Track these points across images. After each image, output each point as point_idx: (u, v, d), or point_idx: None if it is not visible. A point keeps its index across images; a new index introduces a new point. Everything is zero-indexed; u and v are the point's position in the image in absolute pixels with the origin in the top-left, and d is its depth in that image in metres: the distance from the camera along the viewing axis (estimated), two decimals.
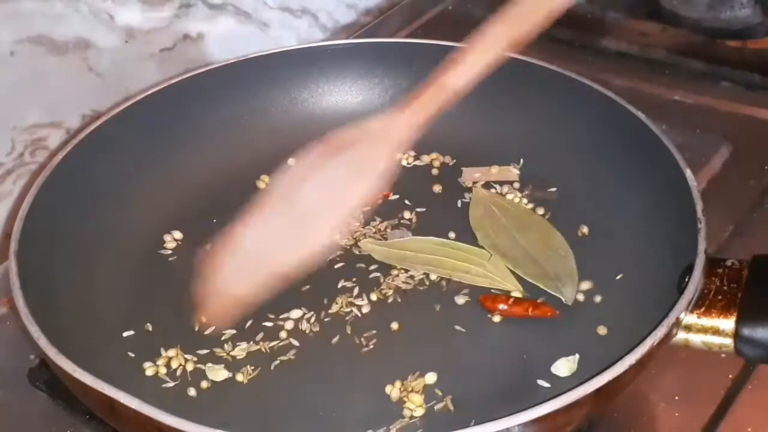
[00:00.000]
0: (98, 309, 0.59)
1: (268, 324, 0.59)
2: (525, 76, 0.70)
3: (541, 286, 0.60)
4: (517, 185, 0.68)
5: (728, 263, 0.54)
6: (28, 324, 0.50)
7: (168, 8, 0.83)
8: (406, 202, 0.68)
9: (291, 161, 0.60)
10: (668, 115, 0.73)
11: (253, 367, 0.56)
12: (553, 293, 0.59)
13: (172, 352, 0.57)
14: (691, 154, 0.62)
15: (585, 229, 0.64)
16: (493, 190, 0.68)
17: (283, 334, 0.58)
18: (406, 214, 0.67)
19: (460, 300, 0.60)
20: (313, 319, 0.59)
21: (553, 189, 0.67)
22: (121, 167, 0.66)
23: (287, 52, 0.73)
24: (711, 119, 0.80)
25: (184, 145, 0.70)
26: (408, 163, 0.71)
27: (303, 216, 0.54)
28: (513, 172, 0.69)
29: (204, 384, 0.56)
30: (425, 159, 0.72)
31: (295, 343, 0.58)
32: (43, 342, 0.49)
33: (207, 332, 0.58)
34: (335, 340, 0.58)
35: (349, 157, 0.54)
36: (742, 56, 0.87)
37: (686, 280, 0.51)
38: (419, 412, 0.53)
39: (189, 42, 0.86)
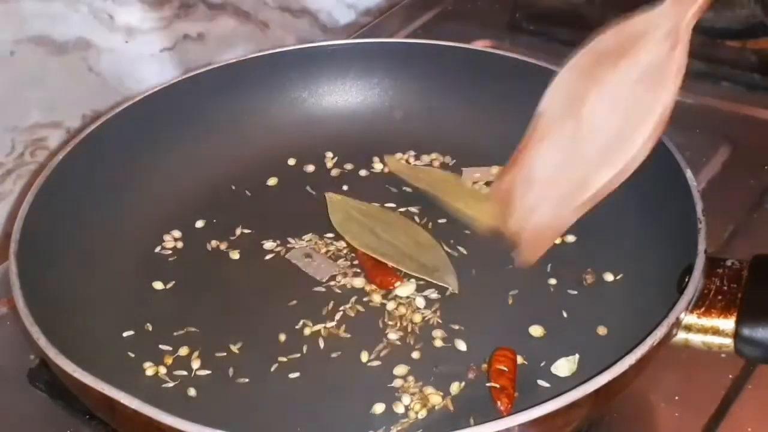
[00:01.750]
0: (98, 309, 0.59)
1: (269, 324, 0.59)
2: (525, 76, 0.70)
3: (427, 279, 0.60)
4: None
5: (728, 263, 0.54)
6: (28, 324, 0.50)
7: (168, 8, 0.83)
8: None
9: (561, 73, 0.55)
10: None
11: (253, 368, 0.56)
12: (439, 284, 0.60)
13: (181, 351, 0.57)
14: (691, 154, 0.62)
15: (585, 229, 0.64)
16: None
17: (282, 337, 0.58)
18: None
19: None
20: (311, 323, 0.59)
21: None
22: (121, 167, 0.66)
23: (287, 52, 0.73)
24: (711, 119, 0.80)
25: (184, 146, 0.70)
26: (408, 164, 0.71)
27: (600, 133, 0.51)
28: None
29: (204, 384, 0.56)
30: (425, 159, 0.72)
31: (296, 343, 0.58)
32: (43, 342, 0.49)
33: (206, 333, 0.58)
34: (336, 340, 0.58)
35: (627, 63, 0.50)
36: (742, 56, 0.87)
37: (686, 280, 0.51)
38: (422, 414, 0.53)
39: (189, 42, 0.86)
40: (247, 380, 0.56)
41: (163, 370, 0.56)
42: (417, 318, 0.59)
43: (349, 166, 0.71)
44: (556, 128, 0.52)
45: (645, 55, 0.50)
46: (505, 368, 0.54)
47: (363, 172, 0.71)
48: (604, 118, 0.51)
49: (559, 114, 0.52)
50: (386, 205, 0.67)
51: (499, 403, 0.52)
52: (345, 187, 0.69)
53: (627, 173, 0.51)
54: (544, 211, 0.53)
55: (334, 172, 0.71)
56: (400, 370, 0.56)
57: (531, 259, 0.56)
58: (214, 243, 0.65)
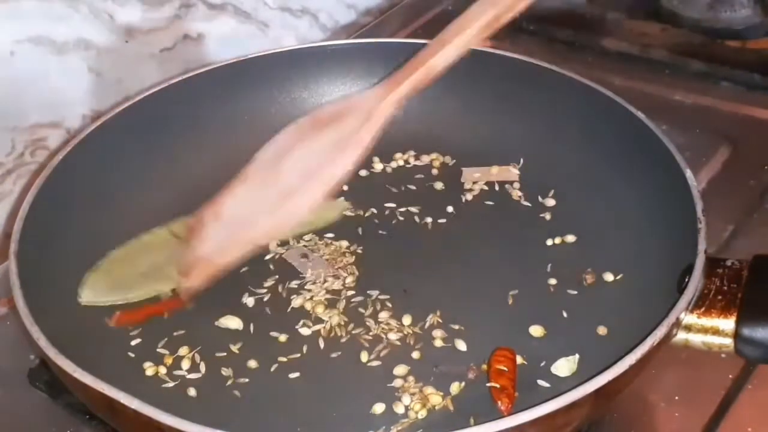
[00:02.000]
0: (99, 309, 0.59)
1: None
2: (525, 76, 0.70)
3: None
4: (517, 185, 0.68)
5: (728, 263, 0.54)
6: (28, 324, 0.50)
7: (168, 8, 0.83)
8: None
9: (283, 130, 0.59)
10: (668, 115, 0.73)
11: (253, 368, 0.56)
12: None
13: (181, 351, 0.57)
14: (691, 154, 0.62)
15: (585, 229, 0.64)
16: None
17: (282, 337, 0.58)
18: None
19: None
20: (311, 323, 0.59)
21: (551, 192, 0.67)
22: (121, 167, 0.66)
23: (287, 52, 0.73)
24: (711, 119, 0.80)
25: (184, 145, 0.70)
26: (408, 164, 0.72)
27: (283, 187, 0.55)
28: (513, 172, 0.69)
29: (204, 384, 0.56)
30: (425, 159, 0.72)
31: (296, 344, 0.58)
32: (43, 342, 0.49)
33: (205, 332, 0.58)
34: (337, 341, 0.58)
35: (330, 131, 0.55)
36: (742, 56, 0.87)
37: (686, 280, 0.51)
38: (423, 414, 0.53)
39: (189, 42, 0.86)
40: (247, 380, 0.56)
41: (163, 370, 0.56)
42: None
43: None
44: (256, 175, 0.56)
45: (344, 127, 0.55)
46: (505, 368, 0.54)
47: (363, 172, 0.71)
48: (289, 175, 0.56)
49: (264, 164, 0.56)
50: (386, 204, 0.68)
51: (499, 402, 0.52)
52: (345, 188, 0.69)
53: (284, 228, 0.58)
54: (213, 244, 0.56)
55: None
56: (400, 370, 0.56)
57: (191, 286, 0.57)
58: None
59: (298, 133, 0.56)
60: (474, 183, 0.69)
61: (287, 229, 0.56)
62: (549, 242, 0.64)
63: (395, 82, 0.55)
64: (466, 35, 0.53)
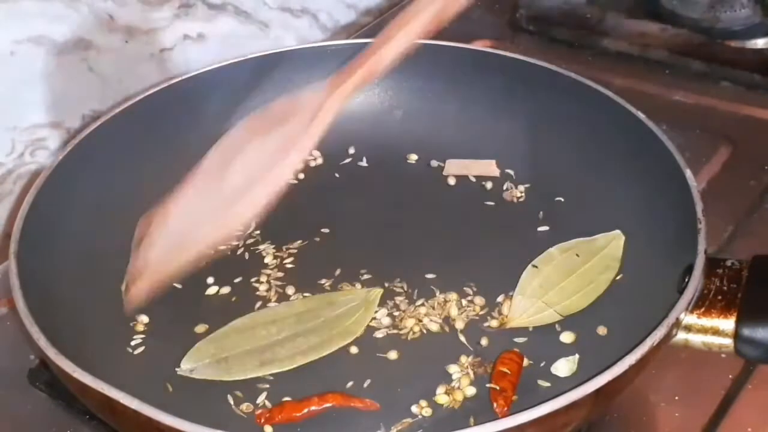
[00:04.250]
0: (98, 309, 0.59)
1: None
2: (525, 76, 0.70)
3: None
4: (513, 185, 0.68)
5: (728, 263, 0.54)
6: (28, 324, 0.50)
7: (168, 8, 0.83)
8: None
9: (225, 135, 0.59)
10: (668, 115, 0.73)
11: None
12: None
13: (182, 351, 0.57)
14: (691, 154, 0.62)
15: (584, 229, 0.64)
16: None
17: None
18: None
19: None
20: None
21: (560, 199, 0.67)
22: (121, 167, 0.66)
23: (287, 52, 0.73)
24: (711, 119, 0.80)
25: (184, 145, 0.69)
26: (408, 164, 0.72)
27: (228, 190, 0.54)
28: (493, 167, 0.69)
29: (204, 385, 0.56)
30: (425, 159, 0.72)
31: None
32: (43, 342, 0.49)
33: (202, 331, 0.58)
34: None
35: (275, 131, 0.55)
36: (742, 56, 0.86)
37: (686, 280, 0.51)
38: (423, 414, 0.53)
39: (189, 42, 0.86)
40: (248, 381, 0.56)
41: (163, 369, 0.56)
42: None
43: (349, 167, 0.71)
44: (205, 179, 0.55)
45: (290, 127, 0.54)
46: (508, 371, 0.54)
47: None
48: (235, 177, 0.54)
49: (213, 167, 0.55)
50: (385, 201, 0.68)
51: (495, 404, 0.52)
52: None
53: (229, 233, 0.57)
54: (159, 250, 0.55)
55: (335, 172, 0.71)
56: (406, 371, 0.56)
57: (136, 296, 0.56)
58: None
59: (245, 135, 0.56)
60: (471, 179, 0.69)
61: (233, 234, 0.56)
62: (549, 242, 0.64)
63: (340, 80, 0.54)
64: (410, 29, 0.53)
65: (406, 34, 0.53)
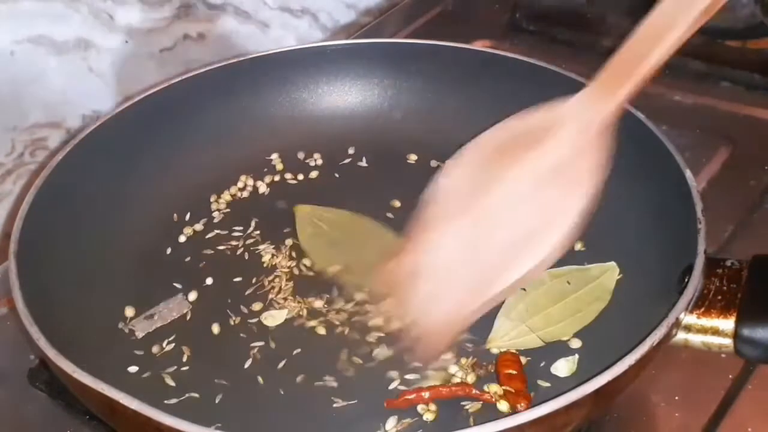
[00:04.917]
0: (98, 309, 0.59)
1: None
2: (525, 76, 0.70)
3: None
4: None
5: (728, 263, 0.54)
6: (28, 324, 0.50)
7: (168, 8, 0.83)
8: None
9: (459, 158, 0.50)
10: (668, 115, 0.73)
11: (254, 367, 0.56)
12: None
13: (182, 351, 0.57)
14: (691, 154, 0.62)
15: (584, 229, 0.64)
16: None
17: (282, 337, 0.58)
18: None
19: None
20: (312, 322, 0.59)
21: None
22: (121, 167, 0.66)
23: (287, 52, 0.73)
24: (711, 119, 0.80)
25: (184, 145, 0.70)
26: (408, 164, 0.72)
27: (505, 231, 0.47)
28: None
29: (205, 385, 0.56)
30: (425, 160, 0.72)
31: (297, 344, 0.58)
32: (43, 342, 0.49)
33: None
34: (338, 340, 0.58)
35: (534, 156, 0.46)
36: (742, 56, 0.86)
37: (686, 280, 0.51)
38: (423, 414, 0.53)
39: (189, 42, 0.86)
40: (247, 380, 0.56)
41: (164, 369, 0.56)
42: None
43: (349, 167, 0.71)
44: (453, 217, 0.48)
45: (554, 150, 0.46)
46: (514, 371, 0.54)
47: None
48: (509, 215, 0.47)
49: (458, 202, 0.48)
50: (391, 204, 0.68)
51: (518, 406, 0.52)
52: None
53: (535, 276, 0.47)
54: (443, 306, 0.49)
55: (335, 173, 0.71)
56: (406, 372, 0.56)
57: (430, 354, 0.52)
58: (214, 243, 0.65)
59: (487, 163, 0.47)
60: None
61: (535, 277, 0.47)
62: None
63: (609, 80, 0.45)
64: (683, 14, 0.43)
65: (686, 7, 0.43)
